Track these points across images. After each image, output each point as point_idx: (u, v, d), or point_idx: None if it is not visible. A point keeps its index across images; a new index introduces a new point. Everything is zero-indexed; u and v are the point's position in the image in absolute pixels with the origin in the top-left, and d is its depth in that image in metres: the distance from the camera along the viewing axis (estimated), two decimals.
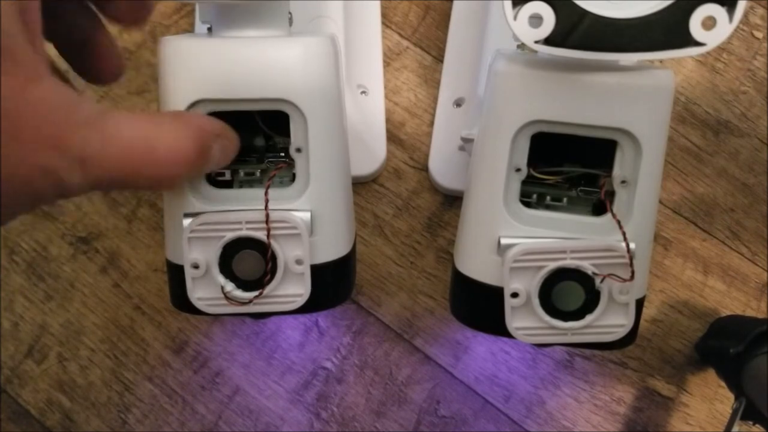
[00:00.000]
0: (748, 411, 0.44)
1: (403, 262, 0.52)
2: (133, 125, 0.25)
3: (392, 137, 0.53)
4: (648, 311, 0.51)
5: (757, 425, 0.45)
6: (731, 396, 0.46)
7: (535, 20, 0.29)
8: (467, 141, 0.40)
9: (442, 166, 0.52)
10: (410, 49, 0.54)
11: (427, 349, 0.51)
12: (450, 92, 0.53)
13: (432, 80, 0.54)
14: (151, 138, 0.25)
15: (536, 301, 0.33)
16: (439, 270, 0.52)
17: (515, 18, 0.29)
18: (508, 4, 0.29)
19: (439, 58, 0.54)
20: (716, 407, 0.50)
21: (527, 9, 0.29)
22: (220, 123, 0.30)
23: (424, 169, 0.52)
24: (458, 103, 0.52)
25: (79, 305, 0.52)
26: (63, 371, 0.52)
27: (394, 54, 0.54)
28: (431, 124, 0.53)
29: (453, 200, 0.52)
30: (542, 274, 0.33)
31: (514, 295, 0.33)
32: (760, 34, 0.53)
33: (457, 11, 0.54)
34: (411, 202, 0.52)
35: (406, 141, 0.53)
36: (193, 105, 0.33)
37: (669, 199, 0.52)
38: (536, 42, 0.29)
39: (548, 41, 0.29)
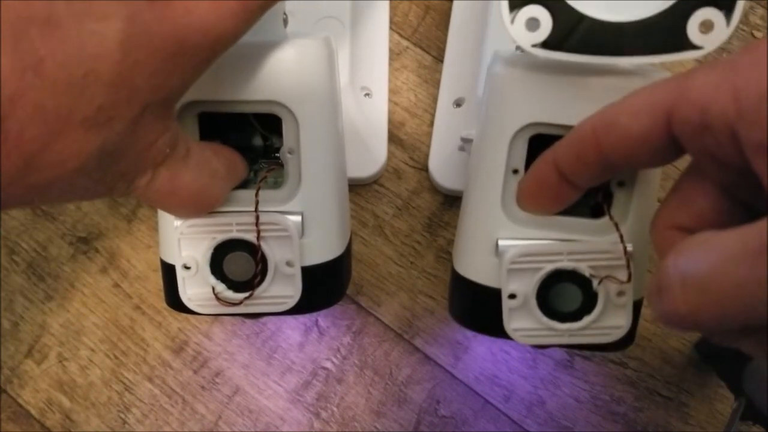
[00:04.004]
0: (748, 411, 0.44)
1: (403, 262, 0.52)
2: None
3: (392, 137, 0.53)
4: (648, 311, 0.50)
5: (757, 425, 0.45)
6: (731, 396, 0.46)
7: (533, 23, 0.29)
8: (467, 141, 0.39)
9: (442, 166, 0.52)
10: (410, 49, 0.54)
11: (427, 349, 0.51)
12: (450, 92, 0.53)
13: (432, 80, 0.54)
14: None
15: (534, 303, 0.33)
16: (439, 270, 0.52)
17: (512, 21, 0.29)
18: (505, 7, 0.29)
19: (439, 58, 0.54)
20: (716, 407, 0.50)
21: (524, 12, 0.28)
22: (231, 151, 0.33)
23: (424, 169, 0.52)
24: (458, 103, 0.52)
25: (79, 305, 0.52)
26: (63, 371, 0.52)
27: (394, 54, 0.54)
28: (431, 124, 0.53)
29: (453, 200, 0.52)
30: (540, 275, 0.33)
31: (512, 296, 0.33)
32: (760, 34, 0.53)
33: (457, 11, 0.54)
34: (411, 202, 0.52)
35: (406, 141, 0.53)
36: (185, 106, 0.33)
37: None
38: (533, 45, 0.29)
39: (545, 45, 0.29)
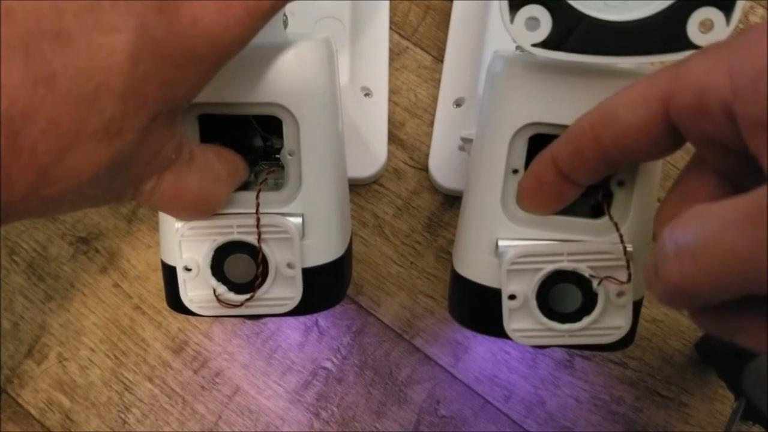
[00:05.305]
0: (748, 411, 0.44)
1: (403, 262, 0.52)
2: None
3: (392, 137, 0.53)
4: (648, 311, 0.51)
5: (757, 425, 0.45)
6: (731, 396, 0.46)
7: (532, 23, 0.29)
8: (467, 141, 0.39)
9: (442, 166, 0.52)
10: (410, 49, 0.54)
11: (427, 349, 0.51)
12: (450, 92, 0.53)
13: (432, 80, 0.54)
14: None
15: (534, 304, 0.33)
16: (439, 270, 0.52)
17: (512, 21, 0.29)
18: (505, 7, 0.29)
19: (439, 58, 0.54)
20: (716, 407, 0.50)
21: (524, 12, 0.28)
22: (233, 154, 0.33)
23: (424, 169, 0.52)
24: (458, 103, 0.52)
25: (79, 305, 0.52)
26: (63, 371, 0.52)
27: (394, 54, 0.54)
28: (431, 124, 0.53)
29: (453, 200, 0.52)
30: (539, 276, 0.33)
31: (512, 297, 0.33)
32: None
33: (457, 11, 0.54)
34: (411, 202, 0.52)
35: (406, 141, 0.53)
36: (185, 109, 0.32)
37: None
38: (533, 45, 0.29)
39: (545, 44, 0.29)
